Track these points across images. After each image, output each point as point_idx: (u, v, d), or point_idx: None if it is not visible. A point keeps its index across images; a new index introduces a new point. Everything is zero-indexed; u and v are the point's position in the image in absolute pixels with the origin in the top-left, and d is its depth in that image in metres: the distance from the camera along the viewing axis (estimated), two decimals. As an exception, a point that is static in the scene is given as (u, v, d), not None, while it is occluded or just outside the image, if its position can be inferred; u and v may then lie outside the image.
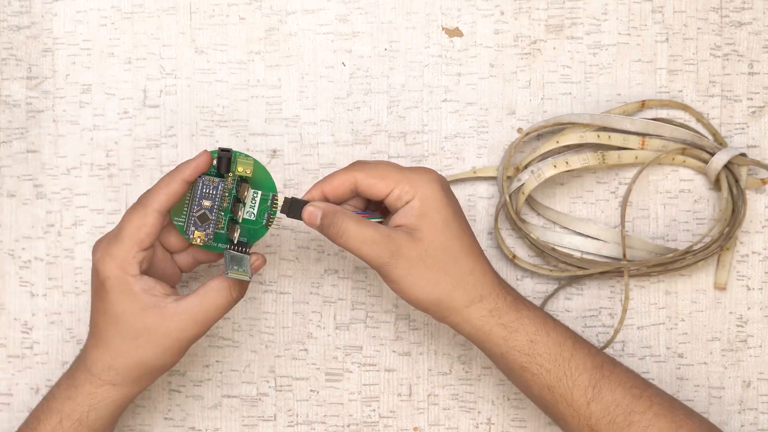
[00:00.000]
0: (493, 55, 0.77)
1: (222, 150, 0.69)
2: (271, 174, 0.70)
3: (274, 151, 0.78)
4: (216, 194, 0.70)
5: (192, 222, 0.70)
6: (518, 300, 0.70)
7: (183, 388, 0.79)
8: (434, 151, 0.78)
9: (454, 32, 0.78)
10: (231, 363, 0.79)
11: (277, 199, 0.70)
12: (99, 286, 0.68)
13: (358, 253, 0.67)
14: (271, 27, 0.78)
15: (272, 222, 0.70)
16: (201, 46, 0.78)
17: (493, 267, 0.70)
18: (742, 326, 0.78)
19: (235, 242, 0.70)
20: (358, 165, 0.70)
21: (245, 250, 0.70)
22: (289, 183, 0.78)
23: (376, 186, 0.68)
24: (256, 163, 0.69)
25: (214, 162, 0.69)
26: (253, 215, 0.70)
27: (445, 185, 0.69)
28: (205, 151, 0.68)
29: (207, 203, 0.70)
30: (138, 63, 0.78)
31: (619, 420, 0.68)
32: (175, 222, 0.70)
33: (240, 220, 0.70)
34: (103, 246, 0.68)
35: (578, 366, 0.69)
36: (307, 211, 0.69)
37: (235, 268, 0.69)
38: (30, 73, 0.78)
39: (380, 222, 0.70)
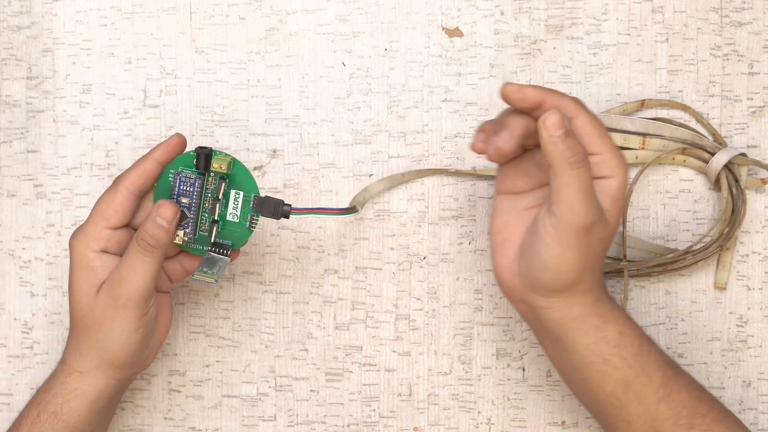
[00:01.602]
0: (493, 55, 0.78)
1: (200, 147, 0.69)
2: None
3: (274, 151, 0.78)
4: (193, 191, 0.69)
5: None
6: (609, 294, 0.69)
7: (183, 388, 0.79)
8: (434, 151, 0.78)
9: (454, 32, 0.78)
10: (231, 363, 0.79)
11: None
12: (70, 265, 0.69)
13: (567, 197, 0.62)
14: (271, 27, 0.78)
15: (255, 224, 0.70)
16: (201, 46, 0.78)
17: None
18: (742, 326, 0.78)
19: (212, 241, 0.69)
20: (581, 103, 0.65)
21: (226, 253, 0.70)
22: (289, 183, 0.78)
23: (590, 137, 0.64)
24: (235, 162, 0.69)
25: (194, 161, 0.69)
26: (236, 217, 0.70)
27: None
28: (178, 133, 0.69)
29: (185, 200, 0.69)
30: (138, 63, 0.78)
31: (683, 422, 0.66)
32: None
33: (217, 218, 0.69)
34: (78, 227, 0.69)
35: (654, 362, 0.67)
36: (553, 117, 0.62)
37: (204, 270, 0.69)
38: (30, 73, 0.78)
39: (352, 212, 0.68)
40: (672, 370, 0.67)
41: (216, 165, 0.68)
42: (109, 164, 0.78)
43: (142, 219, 0.70)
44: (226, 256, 0.70)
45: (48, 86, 0.78)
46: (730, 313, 0.78)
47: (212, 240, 0.69)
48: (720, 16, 0.77)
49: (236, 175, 0.70)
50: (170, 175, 0.70)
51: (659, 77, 0.77)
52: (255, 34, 0.78)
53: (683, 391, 0.67)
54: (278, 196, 0.78)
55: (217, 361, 0.79)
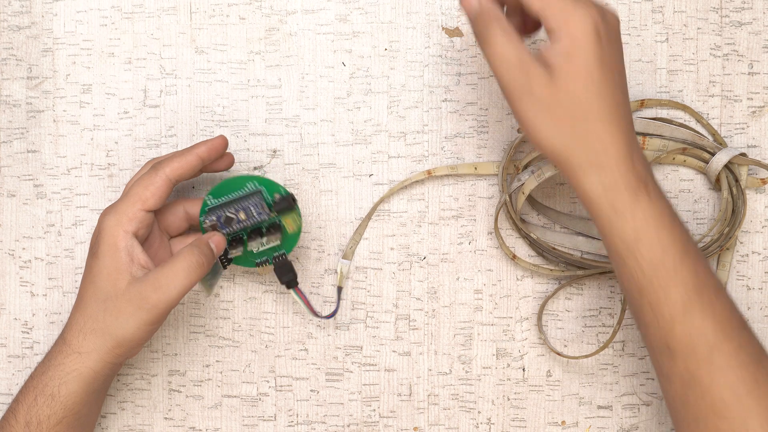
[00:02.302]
0: (493, 55, 0.78)
1: (292, 195, 0.72)
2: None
3: (274, 151, 0.78)
4: (254, 217, 0.72)
5: (218, 215, 0.72)
6: (643, 186, 0.62)
7: (183, 388, 0.79)
8: (434, 151, 0.78)
9: (454, 32, 0.78)
10: (231, 363, 0.79)
11: (280, 258, 0.74)
12: (94, 242, 0.69)
13: (492, 69, 0.62)
14: (271, 27, 0.78)
15: (259, 267, 0.74)
16: (201, 46, 0.78)
17: (636, 142, 0.62)
18: (742, 326, 0.78)
19: (226, 255, 0.73)
20: None
21: (225, 266, 0.73)
22: (289, 183, 0.78)
23: None
24: (300, 229, 0.73)
25: (276, 197, 0.72)
26: (254, 251, 0.74)
27: (607, 28, 0.61)
28: (222, 135, 0.72)
29: (243, 216, 0.72)
30: (138, 63, 0.78)
31: (700, 352, 0.62)
32: (207, 197, 0.72)
33: (246, 250, 0.73)
34: (110, 205, 0.71)
35: (677, 280, 0.62)
36: None
37: (208, 277, 0.73)
38: (30, 73, 0.78)
39: None
40: (702, 296, 0.62)
41: (289, 222, 0.73)
42: (109, 164, 0.78)
43: (171, 220, 0.73)
44: (224, 267, 0.74)
45: (48, 86, 0.78)
46: (730, 313, 0.78)
47: (227, 255, 0.73)
48: (720, 16, 0.77)
49: (289, 234, 0.74)
50: (250, 185, 0.73)
51: (659, 77, 0.77)
52: (255, 34, 0.78)
53: (708, 319, 0.62)
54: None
55: (217, 361, 0.79)
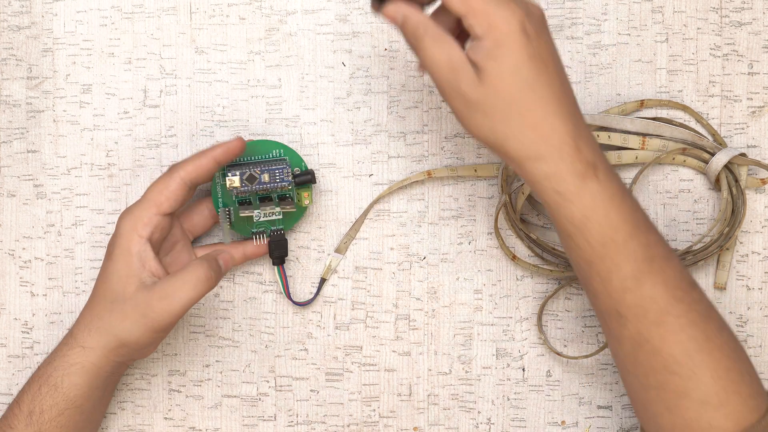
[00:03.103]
0: (493, 55, 0.77)
1: (313, 172, 0.74)
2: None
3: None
4: (277, 182, 0.73)
5: (242, 172, 0.72)
6: (591, 170, 0.63)
7: (183, 388, 0.79)
8: (434, 151, 0.78)
9: (454, 32, 0.78)
10: (231, 363, 0.79)
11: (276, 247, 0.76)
12: (111, 243, 0.71)
13: (427, 70, 0.64)
14: (271, 27, 0.78)
15: (257, 234, 0.75)
16: (201, 46, 0.78)
17: (583, 127, 0.63)
18: (742, 326, 0.78)
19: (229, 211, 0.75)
20: None
21: (229, 224, 0.75)
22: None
23: (451, 1, 0.62)
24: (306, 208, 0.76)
25: (296, 171, 0.74)
26: (257, 219, 0.74)
27: (533, 21, 0.62)
28: (240, 137, 0.72)
29: (266, 178, 0.73)
30: (138, 63, 0.78)
31: (651, 316, 0.63)
32: (228, 170, 0.73)
33: (253, 215, 0.74)
34: (127, 208, 0.71)
35: (627, 253, 0.63)
36: (390, 9, 0.64)
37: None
38: (30, 73, 0.78)
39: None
40: (652, 265, 0.63)
41: (306, 195, 0.75)
42: (109, 164, 0.78)
43: (196, 220, 0.75)
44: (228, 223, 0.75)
45: (48, 86, 0.78)
46: (730, 313, 0.78)
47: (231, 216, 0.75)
48: (720, 16, 0.77)
49: (298, 209, 0.75)
50: (276, 152, 0.74)
51: (659, 77, 0.77)
52: (255, 34, 0.78)
53: (659, 287, 0.63)
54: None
55: (217, 361, 0.79)
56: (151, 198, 0.70)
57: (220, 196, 0.74)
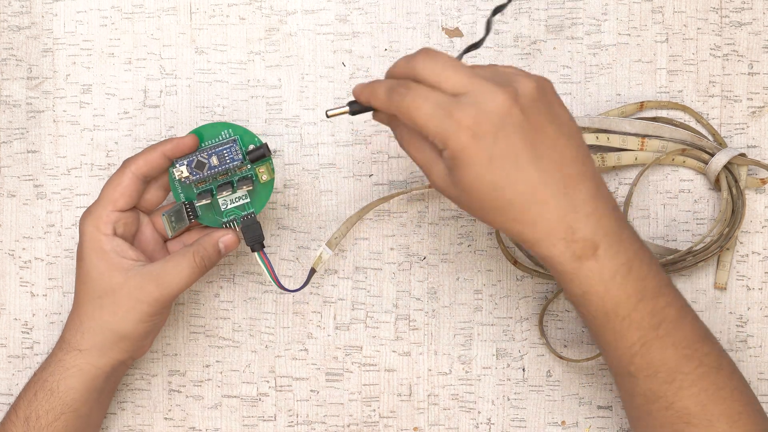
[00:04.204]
0: (493, 56, 0.77)
1: (266, 145, 0.71)
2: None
3: (274, 151, 0.78)
4: (227, 163, 0.71)
5: (189, 160, 0.71)
6: (589, 250, 0.61)
7: (183, 388, 0.79)
8: (434, 151, 0.78)
9: (454, 32, 0.78)
10: (231, 363, 0.79)
11: (248, 217, 0.72)
12: (78, 245, 0.71)
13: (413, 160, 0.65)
14: (271, 27, 0.78)
15: (228, 222, 0.72)
16: (201, 46, 0.78)
17: (576, 200, 0.61)
18: (742, 326, 0.78)
19: (190, 205, 0.72)
20: (420, 57, 0.62)
21: (191, 220, 0.72)
22: (289, 183, 0.78)
23: (411, 117, 0.61)
24: (272, 181, 0.72)
25: (250, 147, 0.71)
26: (223, 206, 0.72)
27: (514, 109, 0.59)
28: (193, 135, 0.71)
29: (215, 161, 0.71)
30: (138, 63, 0.78)
31: (661, 376, 0.64)
32: (176, 161, 0.71)
33: (219, 202, 0.72)
34: (87, 209, 0.71)
35: (631, 324, 0.63)
36: (377, 117, 0.65)
37: (172, 218, 0.71)
38: (30, 74, 0.78)
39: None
40: (659, 331, 0.63)
41: (263, 170, 0.71)
42: (109, 164, 0.78)
43: (150, 203, 0.72)
44: (190, 221, 0.72)
45: (48, 86, 0.78)
46: (730, 313, 0.78)
47: (196, 205, 0.72)
48: (720, 16, 0.77)
49: (260, 188, 0.72)
50: (226, 133, 0.72)
51: (659, 77, 0.77)
52: (255, 34, 0.78)
53: (668, 350, 0.63)
54: (278, 196, 0.78)
55: (217, 361, 0.79)
56: (107, 196, 0.70)
57: (180, 191, 0.72)
